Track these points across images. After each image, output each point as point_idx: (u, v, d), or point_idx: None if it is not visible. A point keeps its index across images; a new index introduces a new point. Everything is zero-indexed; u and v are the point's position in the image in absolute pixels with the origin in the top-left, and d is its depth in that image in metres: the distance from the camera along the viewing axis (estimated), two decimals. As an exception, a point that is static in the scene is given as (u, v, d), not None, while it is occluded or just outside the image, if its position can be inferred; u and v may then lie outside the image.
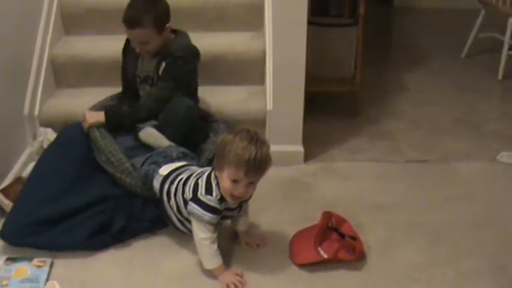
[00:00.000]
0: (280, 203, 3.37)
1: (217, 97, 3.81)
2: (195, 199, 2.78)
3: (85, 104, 3.66)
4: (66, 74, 4.12)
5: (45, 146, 3.62)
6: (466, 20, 5.51)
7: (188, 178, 2.92)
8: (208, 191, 2.76)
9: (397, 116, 4.36)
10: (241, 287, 2.77)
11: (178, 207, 2.92)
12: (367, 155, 3.84)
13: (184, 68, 3.45)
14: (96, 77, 4.04)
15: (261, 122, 3.74)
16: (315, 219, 3.02)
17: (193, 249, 2.88)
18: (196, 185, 2.82)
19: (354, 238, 2.93)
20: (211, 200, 2.75)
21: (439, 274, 2.82)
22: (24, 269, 2.88)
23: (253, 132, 2.70)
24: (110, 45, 4.00)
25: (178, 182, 2.95)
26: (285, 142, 3.67)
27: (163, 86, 3.44)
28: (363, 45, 4.17)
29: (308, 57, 3.48)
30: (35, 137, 3.79)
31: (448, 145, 3.96)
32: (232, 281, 2.77)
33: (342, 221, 3.02)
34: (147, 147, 3.37)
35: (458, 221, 3.19)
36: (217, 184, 2.75)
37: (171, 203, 2.97)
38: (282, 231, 3.09)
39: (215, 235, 2.79)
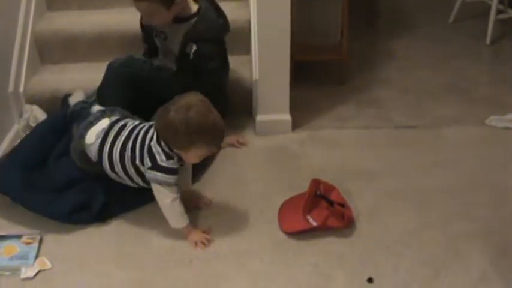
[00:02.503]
0: (268, 172, 3.37)
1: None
2: (157, 166, 2.78)
3: (70, 79, 3.65)
4: (50, 50, 4.10)
5: (31, 123, 3.62)
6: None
7: (127, 140, 2.90)
8: (168, 156, 2.77)
9: (385, 83, 4.34)
10: (208, 244, 2.84)
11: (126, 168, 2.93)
12: (355, 122, 3.83)
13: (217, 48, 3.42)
14: (80, 53, 4.02)
15: (248, 92, 3.74)
16: (304, 187, 3.02)
17: None
18: (150, 152, 2.80)
19: (343, 205, 2.94)
20: (174, 163, 2.78)
21: (429, 238, 2.83)
22: (14, 246, 2.88)
23: (196, 102, 2.68)
24: (93, 20, 3.98)
25: (117, 146, 2.93)
26: (272, 111, 3.66)
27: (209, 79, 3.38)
28: (348, 13, 4.14)
29: (294, 26, 3.46)
30: (21, 115, 3.78)
31: (437, 110, 3.94)
32: (200, 239, 2.84)
33: (330, 188, 3.02)
34: None
35: (447, 186, 3.20)
36: (169, 148, 2.77)
37: (116, 169, 2.96)
38: (271, 200, 3.09)
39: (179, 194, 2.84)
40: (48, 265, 2.78)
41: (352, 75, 4.39)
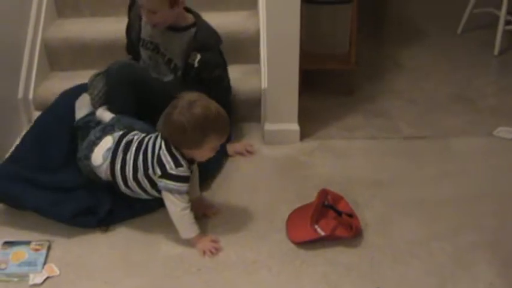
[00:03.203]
0: (277, 182, 3.37)
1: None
2: (167, 174, 2.80)
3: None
4: (59, 57, 4.13)
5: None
6: (462, -4, 5.48)
7: (137, 156, 2.92)
8: (178, 163, 2.79)
9: (393, 93, 4.34)
10: (216, 253, 2.84)
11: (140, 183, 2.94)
12: (363, 132, 3.82)
13: (219, 56, 3.46)
14: (89, 60, 4.04)
15: (257, 101, 3.74)
16: (312, 197, 3.02)
17: None
18: (160, 161, 2.81)
19: (351, 215, 2.94)
20: (184, 171, 2.80)
21: (437, 249, 2.82)
22: (22, 252, 2.88)
23: (194, 98, 2.74)
24: (103, 28, 3.99)
25: (129, 165, 2.94)
26: (280, 121, 3.66)
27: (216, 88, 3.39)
28: (357, 23, 4.15)
29: (302, 35, 3.46)
30: (30, 121, 3.79)
31: (445, 121, 3.94)
32: (208, 248, 2.85)
33: (338, 198, 3.02)
34: None
35: (455, 196, 3.19)
36: (180, 153, 2.80)
37: (129, 183, 2.97)
38: (279, 209, 3.09)
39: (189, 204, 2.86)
40: (57, 272, 2.78)
41: (361, 84, 4.39)
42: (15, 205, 3.11)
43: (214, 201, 3.20)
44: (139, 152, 2.91)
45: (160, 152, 2.82)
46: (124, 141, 3.00)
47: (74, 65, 4.03)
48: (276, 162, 3.54)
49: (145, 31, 3.52)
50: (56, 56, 4.13)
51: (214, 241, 2.91)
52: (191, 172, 2.87)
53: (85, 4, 4.30)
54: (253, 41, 3.95)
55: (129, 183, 2.96)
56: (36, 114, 3.75)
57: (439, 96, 4.28)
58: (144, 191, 2.96)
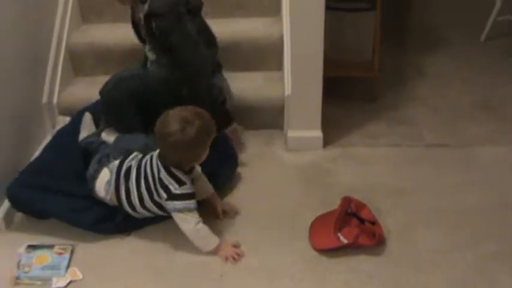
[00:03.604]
0: (299, 189, 3.37)
1: (235, 83, 3.79)
2: (172, 196, 2.83)
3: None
4: (83, 62, 4.15)
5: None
6: (485, 3, 5.44)
7: (139, 184, 2.93)
8: (180, 182, 2.82)
9: (416, 100, 4.32)
10: (239, 259, 2.85)
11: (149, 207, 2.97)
12: (386, 139, 3.81)
13: (175, 29, 3.37)
14: (113, 65, 4.03)
15: (280, 108, 3.75)
16: (334, 204, 3.01)
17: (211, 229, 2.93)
18: (162, 184, 2.84)
19: (374, 223, 2.93)
20: (189, 188, 2.84)
21: (459, 258, 2.81)
22: (45, 256, 2.91)
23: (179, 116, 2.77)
24: (126, 33, 3.99)
25: (134, 194, 2.96)
26: (303, 127, 3.66)
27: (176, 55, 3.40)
28: (380, 30, 4.14)
29: (326, 42, 3.45)
30: (54, 126, 3.82)
31: (468, 129, 3.91)
32: (230, 254, 2.85)
33: (361, 206, 3.01)
34: None
35: (478, 206, 3.17)
36: (179, 171, 2.83)
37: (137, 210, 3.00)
38: (301, 216, 3.09)
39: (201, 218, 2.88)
40: (80, 276, 2.81)
41: (383, 92, 4.38)
42: (37, 214, 3.14)
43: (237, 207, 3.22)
44: (140, 179, 2.93)
45: (161, 175, 2.85)
46: (123, 170, 3.00)
47: (98, 70, 4.04)
48: (298, 169, 3.53)
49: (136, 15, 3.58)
50: (80, 61, 4.15)
51: (236, 246, 2.91)
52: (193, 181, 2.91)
53: (108, 10, 4.32)
54: (276, 48, 3.96)
55: (138, 210, 2.99)
56: (60, 118, 3.79)
57: (462, 104, 4.25)
58: (154, 213, 2.99)
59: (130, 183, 2.95)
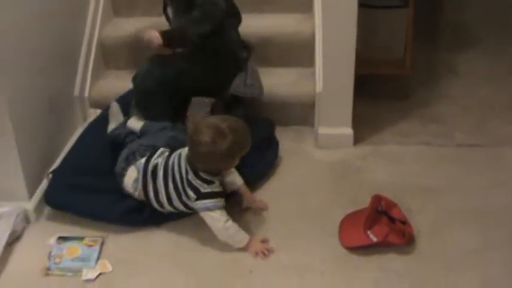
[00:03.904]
0: (330, 186, 3.36)
1: (267, 79, 3.80)
2: (202, 195, 2.83)
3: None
4: (115, 55, 4.18)
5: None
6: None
7: (167, 184, 2.94)
8: (208, 182, 2.83)
9: (448, 99, 4.28)
10: (268, 254, 2.86)
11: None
12: (417, 138, 3.78)
13: None
14: (144, 58, 4.03)
15: (311, 105, 3.74)
16: (364, 202, 3.00)
17: (241, 225, 2.94)
18: (191, 185, 2.85)
19: (404, 222, 2.92)
20: (217, 186, 2.85)
21: (490, 259, 2.78)
22: (76, 247, 2.93)
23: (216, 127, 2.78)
24: (157, 26, 3.99)
25: (162, 193, 2.97)
26: (334, 124, 3.65)
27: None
28: (413, 27, 4.11)
29: (357, 39, 3.44)
30: (85, 119, 3.84)
31: (500, 129, 3.87)
32: (260, 249, 2.86)
33: (391, 204, 3.00)
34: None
35: (509, 206, 3.13)
36: (208, 174, 2.84)
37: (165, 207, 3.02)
38: (331, 214, 3.08)
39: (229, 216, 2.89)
40: (109, 268, 2.82)
41: (415, 90, 4.35)
42: (67, 211, 3.16)
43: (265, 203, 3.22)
44: (167, 179, 2.93)
45: (189, 176, 2.86)
46: (149, 168, 3.01)
47: (129, 64, 4.06)
48: (329, 166, 3.53)
49: None
50: (112, 55, 4.18)
51: (264, 241, 2.92)
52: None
53: (139, 3, 4.35)
54: (307, 44, 3.95)
55: (166, 207, 3.01)
56: (91, 111, 3.81)
57: (494, 103, 4.21)
58: (182, 211, 3.00)
59: (157, 182, 2.96)
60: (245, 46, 3.72)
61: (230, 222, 2.85)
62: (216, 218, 2.83)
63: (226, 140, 2.72)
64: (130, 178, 3.04)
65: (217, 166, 2.85)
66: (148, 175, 2.99)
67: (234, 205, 3.13)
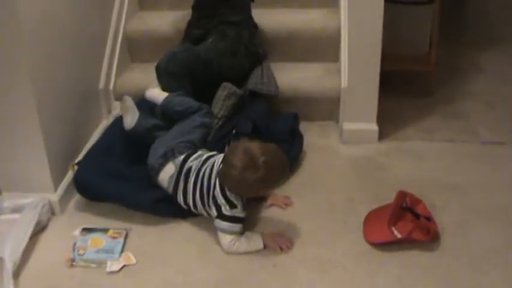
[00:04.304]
0: (354, 182, 3.35)
1: (292, 74, 3.81)
2: (222, 215, 2.83)
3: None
4: (140, 48, 4.19)
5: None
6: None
7: (195, 190, 2.95)
8: (232, 205, 2.81)
9: (472, 96, 4.26)
10: (291, 246, 2.88)
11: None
12: (441, 135, 3.77)
13: None
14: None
15: (336, 100, 3.74)
16: (389, 198, 2.99)
17: (264, 220, 3.02)
18: (215, 201, 2.85)
19: (429, 219, 2.90)
20: (239, 212, 2.83)
21: (516, 258, 2.77)
22: (100, 239, 2.95)
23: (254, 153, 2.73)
24: (182, 20, 4.02)
25: (190, 195, 2.98)
26: (359, 120, 3.64)
27: None
28: (438, 24, 4.09)
29: (383, 35, 3.43)
30: (110, 111, 3.86)
31: (524, 128, 3.86)
32: (282, 243, 2.87)
33: (416, 201, 2.98)
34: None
35: (535, 205, 3.12)
36: (235, 196, 2.82)
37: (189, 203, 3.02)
38: (356, 209, 3.08)
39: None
40: (133, 260, 2.83)
41: (439, 86, 4.33)
42: (100, 199, 3.18)
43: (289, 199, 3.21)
44: (196, 186, 2.94)
45: (215, 192, 2.85)
46: (185, 168, 3.01)
47: (154, 57, 4.04)
48: (353, 161, 3.52)
49: None
50: (137, 48, 4.20)
51: (281, 235, 2.92)
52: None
53: (165, -3, 4.37)
54: (333, 40, 3.95)
55: (191, 208, 3.02)
56: (116, 104, 3.82)
57: (518, 101, 4.19)
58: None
59: (188, 185, 2.97)
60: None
61: (238, 244, 2.84)
62: (227, 241, 2.84)
63: (256, 174, 2.68)
64: (167, 174, 3.05)
65: (240, 192, 2.82)
66: (182, 175, 3.00)
67: (259, 202, 3.14)
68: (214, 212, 2.85)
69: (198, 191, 2.92)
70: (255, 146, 2.73)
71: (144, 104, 3.48)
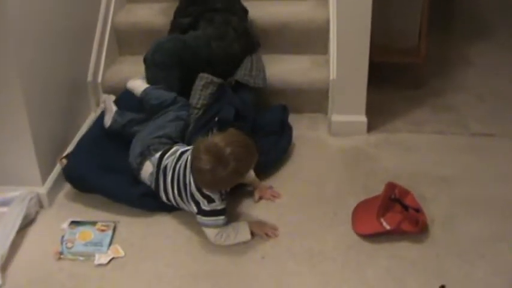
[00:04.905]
0: (343, 173, 3.35)
1: (281, 66, 3.81)
2: (202, 211, 2.81)
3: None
4: (128, 41, 4.18)
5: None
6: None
7: (173, 186, 2.93)
8: (209, 199, 2.78)
9: (462, 88, 4.26)
10: (277, 232, 2.90)
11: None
12: (430, 127, 3.77)
13: None
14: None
15: (325, 92, 3.73)
16: (378, 190, 3.00)
17: (254, 213, 3.02)
18: (193, 198, 2.82)
19: (417, 210, 2.90)
20: (217, 205, 2.80)
21: (504, 249, 2.77)
22: (88, 232, 2.94)
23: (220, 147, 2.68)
24: (170, 12, 4.00)
25: (170, 192, 2.96)
26: (348, 112, 3.64)
27: None
28: (428, 16, 4.09)
29: (372, 26, 3.42)
30: (98, 104, 3.84)
31: (514, 119, 3.86)
32: (265, 231, 2.89)
33: (405, 192, 2.98)
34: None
35: (524, 197, 3.12)
36: (211, 190, 2.79)
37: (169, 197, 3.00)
38: (344, 201, 3.08)
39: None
40: (122, 253, 2.83)
41: (429, 78, 4.33)
42: (85, 189, 3.17)
43: (279, 192, 3.20)
44: (173, 184, 2.92)
45: (192, 189, 2.83)
46: (162, 166, 2.99)
47: (143, 49, 4.02)
48: (342, 153, 3.52)
49: None
50: (125, 40, 4.18)
51: (266, 223, 2.95)
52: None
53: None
54: (321, 31, 3.94)
55: (174, 205, 3.00)
56: (105, 97, 3.79)
57: (509, 94, 4.18)
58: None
59: (167, 183, 2.95)
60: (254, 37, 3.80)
61: (225, 235, 2.83)
62: (213, 235, 2.82)
63: (227, 169, 2.64)
64: (147, 172, 3.04)
65: (217, 189, 2.79)
66: (160, 173, 2.98)
67: (247, 196, 3.15)
68: (194, 209, 2.83)
69: (176, 189, 2.91)
70: (215, 140, 2.69)
71: (126, 96, 3.54)
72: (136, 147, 3.12)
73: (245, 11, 3.87)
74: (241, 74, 3.63)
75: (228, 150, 2.63)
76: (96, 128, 3.44)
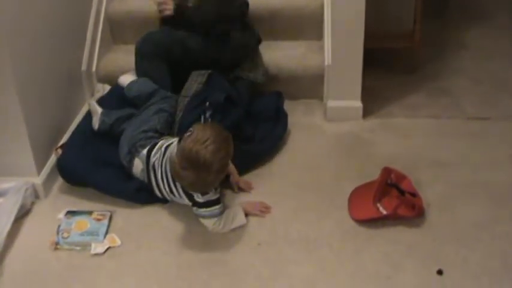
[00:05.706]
0: (339, 159, 3.35)
1: (276, 52, 3.80)
2: (196, 203, 2.80)
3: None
4: (122, 30, 4.16)
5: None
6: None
7: (163, 181, 2.92)
8: (202, 192, 2.77)
9: (457, 72, 4.25)
10: (268, 210, 2.96)
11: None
12: (426, 111, 3.76)
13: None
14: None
15: (320, 78, 3.73)
16: (374, 175, 3.00)
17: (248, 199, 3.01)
18: (185, 191, 2.82)
19: (414, 195, 2.90)
20: (211, 196, 2.78)
21: (500, 232, 2.77)
22: (84, 222, 2.93)
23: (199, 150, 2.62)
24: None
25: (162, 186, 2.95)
26: (343, 97, 3.63)
27: None
28: (422, 0, 4.07)
29: (366, 12, 3.41)
30: (93, 93, 3.83)
31: (509, 103, 3.84)
32: (259, 209, 2.92)
33: (401, 177, 2.98)
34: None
35: (520, 180, 3.12)
36: None
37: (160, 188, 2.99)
38: (341, 187, 3.08)
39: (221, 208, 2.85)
40: (118, 242, 2.83)
41: (424, 63, 4.32)
42: (80, 184, 3.15)
43: (275, 179, 3.21)
44: (163, 179, 2.91)
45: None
46: (150, 163, 2.97)
47: (137, 38, 4.01)
48: (338, 139, 3.51)
49: None
50: (119, 29, 4.16)
51: (256, 202, 2.99)
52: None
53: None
54: (316, 17, 3.93)
55: (169, 200, 3.01)
56: (99, 86, 3.81)
57: (504, 76, 4.18)
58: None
59: (157, 179, 2.95)
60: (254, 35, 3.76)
61: (223, 223, 2.82)
62: (210, 224, 2.82)
63: (211, 170, 2.60)
64: (138, 169, 3.04)
65: (207, 190, 2.76)
66: (150, 170, 2.98)
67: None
68: (187, 201, 2.83)
69: (167, 185, 2.90)
70: (188, 146, 2.60)
71: (109, 96, 3.58)
72: (123, 146, 3.11)
73: (246, 4, 3.81)
74: (241, 71, 3.63)
75: (203, 152, 2.57)
76: (85, 126, 3.42)
